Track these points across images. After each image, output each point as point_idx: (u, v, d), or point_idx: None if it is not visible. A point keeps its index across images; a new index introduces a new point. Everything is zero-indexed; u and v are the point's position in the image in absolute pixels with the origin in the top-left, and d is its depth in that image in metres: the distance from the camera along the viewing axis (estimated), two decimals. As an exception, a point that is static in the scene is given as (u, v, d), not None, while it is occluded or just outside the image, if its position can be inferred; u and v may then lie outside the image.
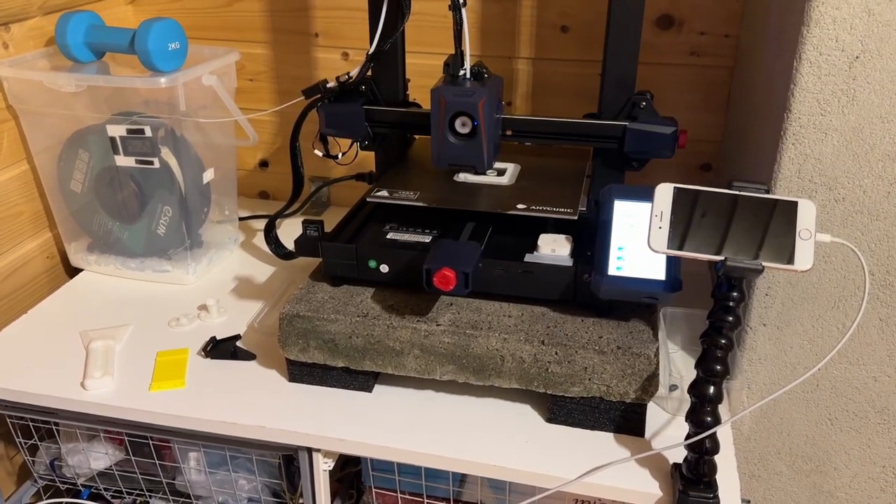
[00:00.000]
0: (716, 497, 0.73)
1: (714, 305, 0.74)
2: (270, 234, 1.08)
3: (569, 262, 0.84)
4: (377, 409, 0.87)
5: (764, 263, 0.69)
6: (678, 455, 0.77)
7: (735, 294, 0.73)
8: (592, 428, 0.84)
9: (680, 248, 0.71)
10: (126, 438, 0.96)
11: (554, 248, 0.85)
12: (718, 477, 0.74)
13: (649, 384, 0.80)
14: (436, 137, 0.87)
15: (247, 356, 0.97)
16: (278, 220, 1.08)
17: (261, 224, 1.22)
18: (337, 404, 0.88)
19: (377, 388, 0.91)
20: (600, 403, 0.83)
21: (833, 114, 0.79)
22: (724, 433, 0.82)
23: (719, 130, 1.19)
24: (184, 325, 1.03)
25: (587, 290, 0.83)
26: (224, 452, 0.93)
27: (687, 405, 0.74)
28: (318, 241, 0.89)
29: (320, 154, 1.02)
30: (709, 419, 0.72)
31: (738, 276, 0.71)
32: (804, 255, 0.69)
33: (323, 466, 0.87)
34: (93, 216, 1.13)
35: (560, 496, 0.87)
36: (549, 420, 0.85)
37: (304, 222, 0.91)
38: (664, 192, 0.73)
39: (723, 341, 0.73)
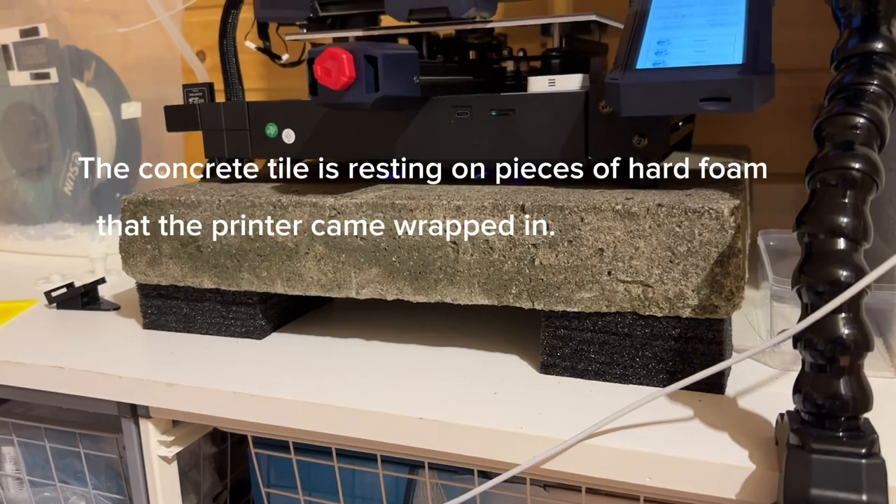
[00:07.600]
0: (874, 455, 0.32)
1: (837, 74, 0.37)
2: None
3: (576, 87, 0.49)
4: (267, 361, 0.52)
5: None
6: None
7: (882, 44, 0.36)
8: (623, 379, 0.45)
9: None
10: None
11: (553, 81, 0.51)
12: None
13: (724, 273, 0.41)
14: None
15: (108, 306, 0.64)
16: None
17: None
18: (202, 355, 0.53)
19: (274, 336, 0.56)
20: (633, 325, 0.44)
21: None
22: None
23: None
24: (54, 283, 0.73)
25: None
26: (43, 443, 0.59)
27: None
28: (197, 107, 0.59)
29: (253, 47, 0.74)
30: (844, 273, 0.33)
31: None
32: None
33: (158, 449, 0.51)
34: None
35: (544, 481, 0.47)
36: (545, 368, 0.47)
37: (185, 86, 0.61)
38: None
39: (863, 115, 0.35)
